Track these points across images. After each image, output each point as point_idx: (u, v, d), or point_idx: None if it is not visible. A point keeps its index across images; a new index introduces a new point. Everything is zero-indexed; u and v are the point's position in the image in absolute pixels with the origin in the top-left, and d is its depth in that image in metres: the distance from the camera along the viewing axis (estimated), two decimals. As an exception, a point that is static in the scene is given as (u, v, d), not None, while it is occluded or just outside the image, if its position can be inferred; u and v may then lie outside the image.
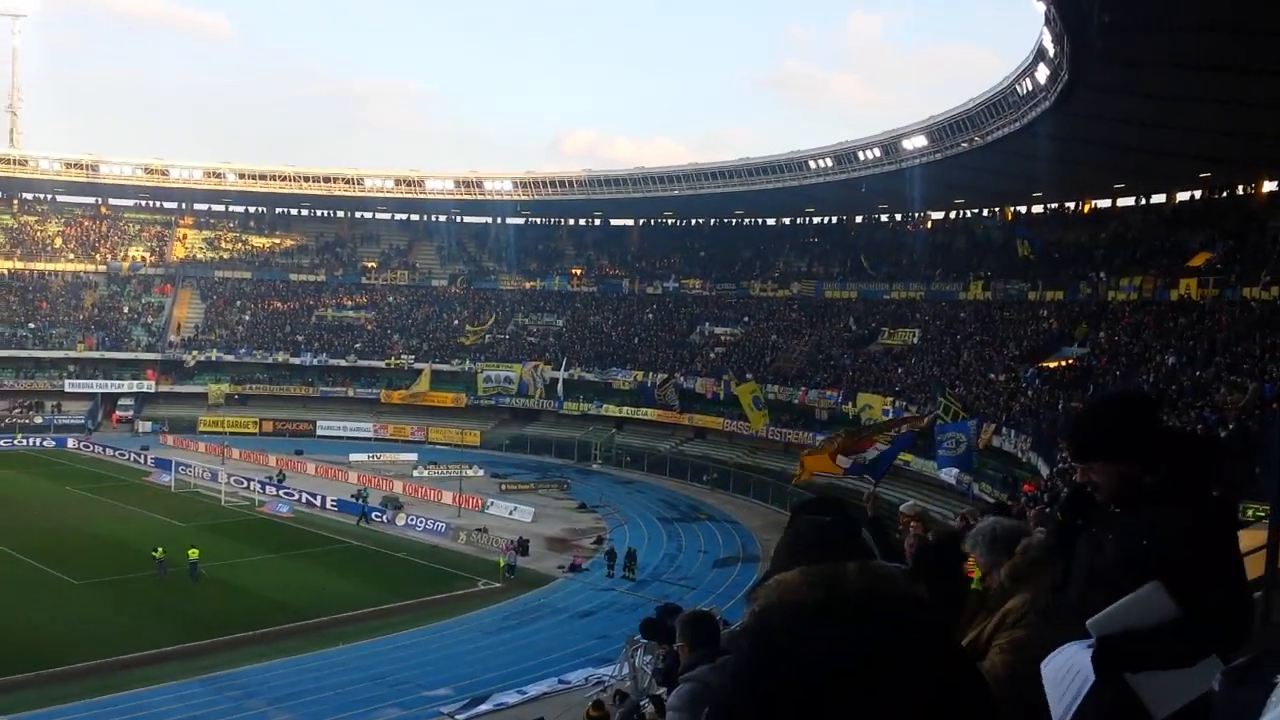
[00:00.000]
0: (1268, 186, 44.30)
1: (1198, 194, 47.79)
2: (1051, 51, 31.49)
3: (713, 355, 62.29)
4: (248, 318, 72.83)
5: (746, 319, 64.44)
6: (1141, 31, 25.46)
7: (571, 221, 78.44)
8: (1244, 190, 45.37)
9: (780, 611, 1.96)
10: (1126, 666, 2.53)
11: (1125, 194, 51.68)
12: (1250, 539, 7.19)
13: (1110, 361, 39.23)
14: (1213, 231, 44.21)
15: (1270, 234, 41.38)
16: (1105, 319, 44.41)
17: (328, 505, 47.29)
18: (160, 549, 34.77)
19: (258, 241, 79.41)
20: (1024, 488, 31.26)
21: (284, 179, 73.08)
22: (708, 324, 65.74)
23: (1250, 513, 9.45)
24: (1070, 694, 2.49)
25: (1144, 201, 51.40)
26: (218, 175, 73.20)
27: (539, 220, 78.51)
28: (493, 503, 47.89)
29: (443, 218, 78.77)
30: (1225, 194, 46.27)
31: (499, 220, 77.88)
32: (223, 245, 78.26)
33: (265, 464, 55.18)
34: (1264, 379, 27.35)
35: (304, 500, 47.88)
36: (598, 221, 77.79)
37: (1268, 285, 37.14)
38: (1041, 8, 28.01)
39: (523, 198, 71.65)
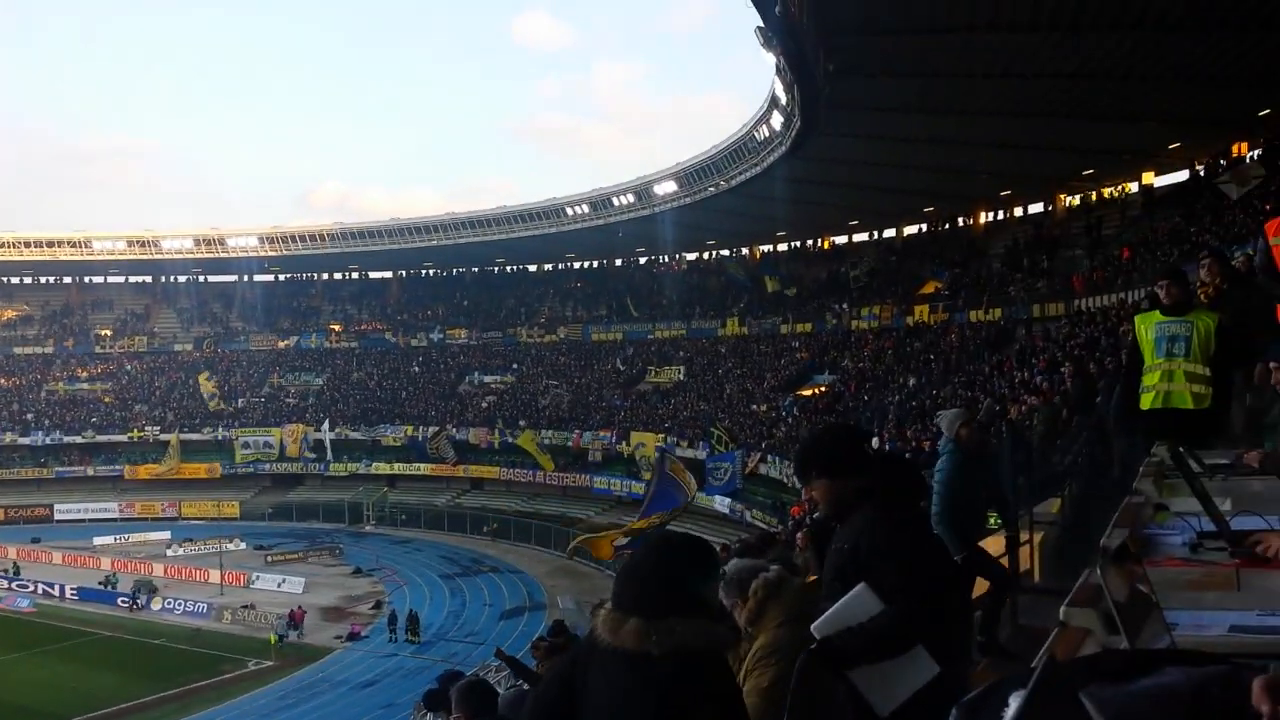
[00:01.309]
0: (984, 217, 48.68)
1: (924, 227, 51.86)
2: (784, 99, 33.33)
3: (484, 404, 61.71)
4: (-34, 398, 66.00)
5: (516, 366, 64.30)
6: (864, 78, 27.41)
7: (326, 276, 75.70)
8: (964, 222, 49.60)
9: (582, 645, 2.35)
10: (840, 663, 2.80)
11: (860, 230, 55.40)
12: (992, 545, 7.79)
13: (858, 387, 41.76)
14: (939, 261, 48.06)
15: (989, 261, 45.44)
16: (849, 347, 47.30)
17: (67, 595, 43.37)
18: None
19: (-26, 314, 72.23)
20: (792, 511, 32.56)
21: (1, 245, 66.95)
22: (477, 373, 65.09)
23: (992, 520, 10.24)
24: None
25: (876, 236, 55.25)
26: (-77, 244, 66.18)
27: (290, 276, 75.24)
28: (259, 576, 45.28)
29: (183, 278, 74.03)
30: (948, 226, 50.43)
31: (246, 278, 73.80)
32: (-68, 320, 70.70)
33: (4, 555, 49.79)
34: (993, 394, 29.88)
35: (42, 592, 43.65)
36: (354, 275, 75.49)
37: (989, 308, 40.69)
38: (772, 59, 29.66)
39: (271, 254, 68.59)
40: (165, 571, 46.81)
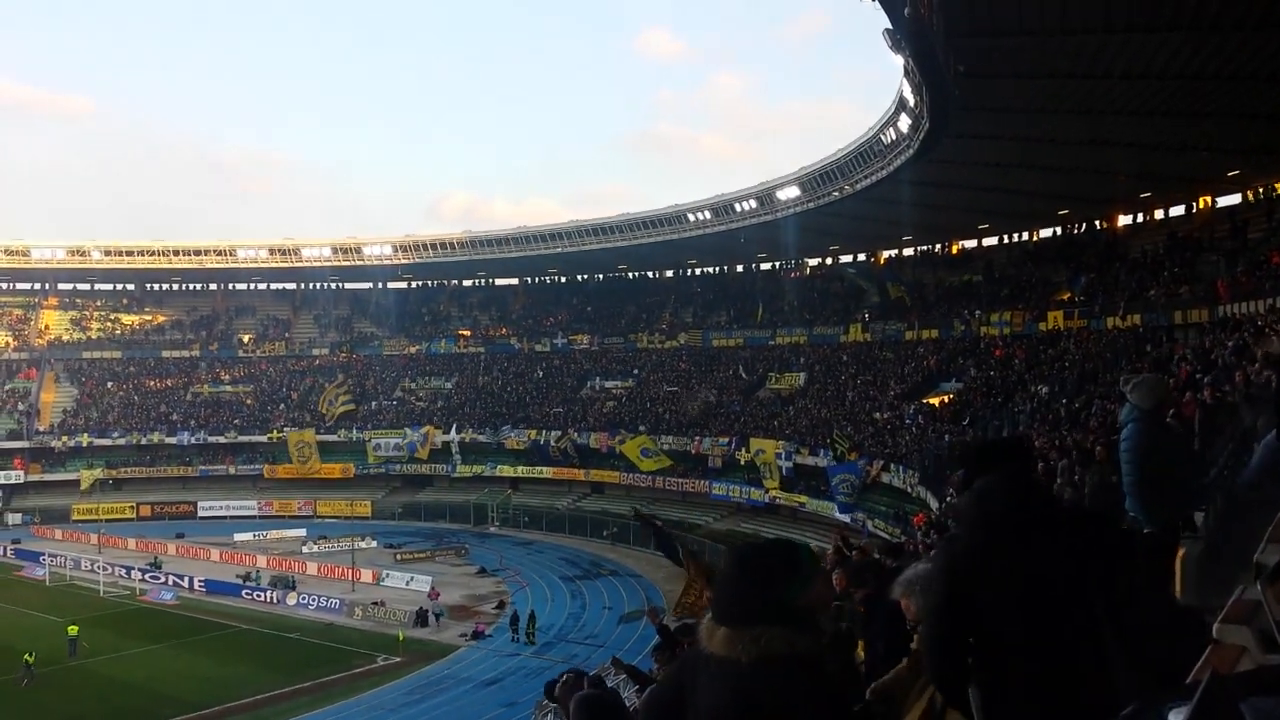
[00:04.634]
0: (1122, 220, 46.80)
1: (1058, 230, 50.17)
2: (912, 102, 32.74)
3: (605, 409, 62.33)
4: (121, 398, 69.96)
5: (637, 371, 64.75)
6: (995, 79, 26.74)
7: (454, 283, 77.85)
8: (1100, 225, 47.79)
9: (692, 650, 2.55)
10: None
11: (989, 234, 53.93)
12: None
13: (987, 395, 40.63)
14: (1075, 265, 46.41)
15: (1127, 265, 43.66)
16: (977, 355, 46.06)
17: (195, 587, 45.68)
18: (31, 654, 32.54)
19: (127, 319, 76.53)
20: (915, 521, 31.94)
21: (152, 254, 70.89)
22: (598, 378, 65.80)
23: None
24: None
25: (1007, 240, 53.71)
26: (82, 253, 70.48)
27: (421, 283, 77.74)
28: (389, 574, 46.70)
29: (321, 285, 77.34)
30: (1084, 228, 48.65)
31: (380, 285, 76.80)
32: (90, 325, 75.13)
33: (164, 551, 52.62)
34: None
35: (172, 583, 46.26)
36: (481, 282, 77.38)
37: (1127, 314, 39.12)
38: (900, 61, 29.21)
39: (403, 261, 70.93)
40: (318, 570, 48.58)
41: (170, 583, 46.21)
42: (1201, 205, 42.56)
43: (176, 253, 71.26)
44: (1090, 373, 35.17)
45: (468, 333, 73.61)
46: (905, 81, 31.68)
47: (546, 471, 61.37)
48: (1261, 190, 39.11)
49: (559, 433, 60.50)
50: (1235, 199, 40.89)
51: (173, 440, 66.63)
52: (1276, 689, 1.17)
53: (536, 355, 69.81)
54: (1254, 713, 1.12)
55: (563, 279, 74.87)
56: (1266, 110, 27.85)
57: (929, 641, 3.10)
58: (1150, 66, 24.12)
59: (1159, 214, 45.09)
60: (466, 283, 77.68)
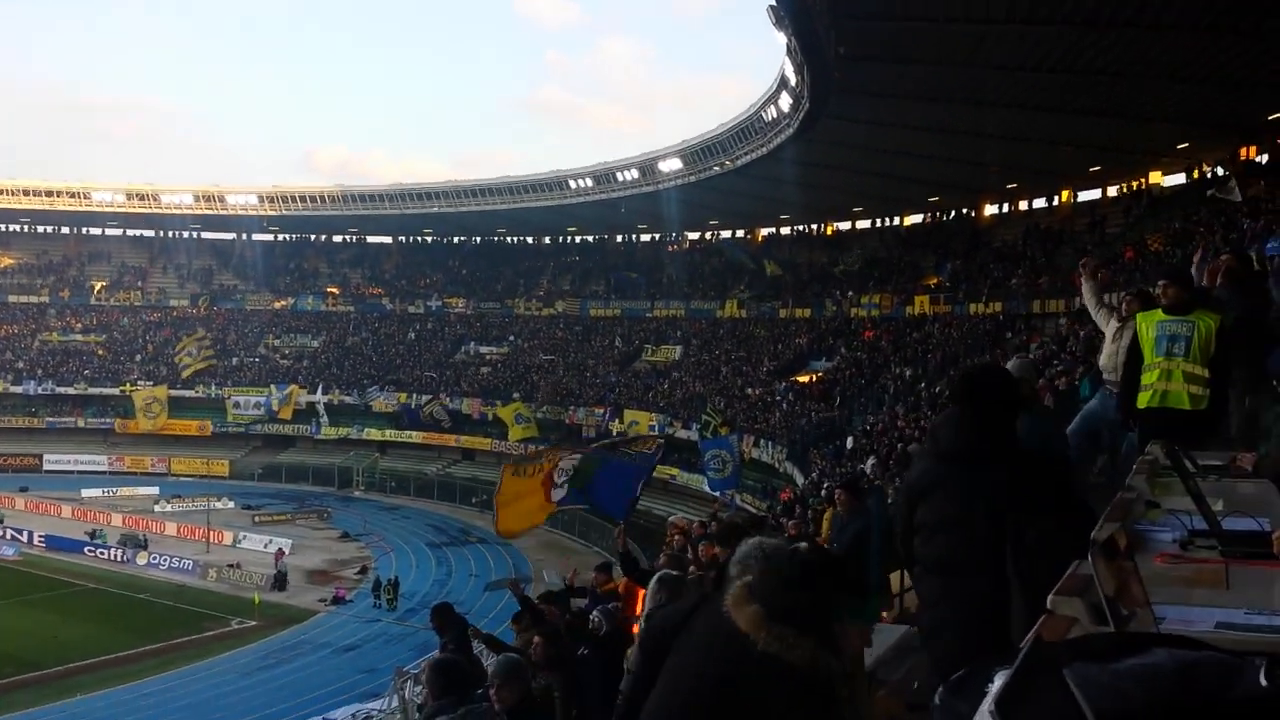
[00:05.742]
0: (989, 209, 48.48)
1: (927, 216, 51.68)
2: (793, 80, 33.09)
3: (480, 375, 61.65)
4: (-41, 344, 65.88)
5: (512, 337, 64.21)
6: (876, 63, 27.25)
7: (325, 238, 75.41)
8: (968, 213, 49.40)
9: (714, 600, 2.44)
10: None
11: (863, 217, 55.24)
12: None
13: (854, 375, 41.70)
14: (943, 252, 47.92)
15: (992, 254, 45.31)
16: (847, 335, 47.22)
17: (35, 541, 43.60)
18: None
19: (-30, 261, 71.98)
20: (781, 496, 32.65)
21: None
22: (473, 343, 64.98)
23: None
24: None
25: (880, 224, 55.09)
26: (-79, 189, 65.82)
27: (289, 237, 74.97)
28: (246, 536, 45.32)
29: (182, 234, 73.99)
30: (952, 215, 50.23)
31: (244, 237, 73.78)
32: (-72, 265, 70.38)
33: (10, 506, 49.60)
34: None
35: (10, 538, 43.88)
36: (353, 239, 75.22)
37: (989, 302, 40.64)
38: (783, 38, 29.45)
39: (270, 213, 68.28)
40: (177, 531, 46.74)
41: (9, 537, 43.88)
42: (1064, 198, 44.40)
43: (26, 193, 66.94)
44: (952, 357, 36.43)
45: (337, 290, 71.55)
46: (788, 60, 31.94)
47: (416, 436, 60.41)
48: (1121, 186, 41.02)
49: (429, 397, 59.62)
50: (1095, 194, 42.82)
51: (18, 390, 63.17)
52: (1100, 656, 1.17)
53: (409, 317, 68.48)
54: (1077, 678, 1.11)
55: (439, 240, 73.48)
56: (1128, 108, 29.15)
57: (899, 536, 3.54)
58: (1026, 59, 24.95)
59: (1023, 205, 46.90)
60: (337, 238, 75.32)
